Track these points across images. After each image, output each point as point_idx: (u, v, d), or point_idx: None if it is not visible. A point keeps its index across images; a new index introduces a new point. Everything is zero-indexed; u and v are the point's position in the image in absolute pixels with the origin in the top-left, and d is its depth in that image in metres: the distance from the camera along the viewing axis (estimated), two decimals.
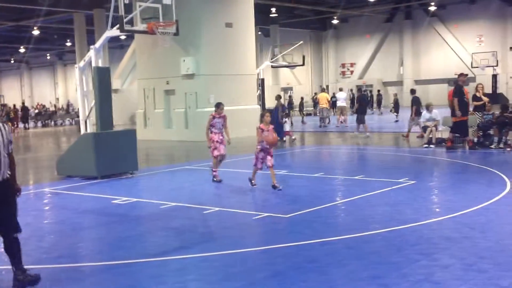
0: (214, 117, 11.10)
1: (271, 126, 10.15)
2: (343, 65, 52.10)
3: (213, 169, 11.30)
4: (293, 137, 19.92)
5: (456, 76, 16.47)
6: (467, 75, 15.90)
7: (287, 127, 20.02)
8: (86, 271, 6.15)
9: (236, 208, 8.79)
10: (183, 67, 22.15)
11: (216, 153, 11.05)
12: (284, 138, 19.30)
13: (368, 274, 5.47)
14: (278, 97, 19.93)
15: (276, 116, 18.17)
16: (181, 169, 13.89)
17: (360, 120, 20.57)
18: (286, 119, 20.35)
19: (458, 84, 15.34)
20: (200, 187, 11.18)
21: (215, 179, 11.22)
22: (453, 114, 15.09)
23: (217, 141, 11.07)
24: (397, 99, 29.87)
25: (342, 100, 27.46)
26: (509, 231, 6.92)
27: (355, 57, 50.84)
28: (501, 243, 6.34)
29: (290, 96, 39.52)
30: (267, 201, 9.60)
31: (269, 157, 10.00)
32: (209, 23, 22.42)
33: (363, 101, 21.53)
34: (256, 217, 8.16)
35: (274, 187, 9.97)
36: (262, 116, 10.48)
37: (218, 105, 11.23)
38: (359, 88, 21.31)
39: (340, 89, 32.11)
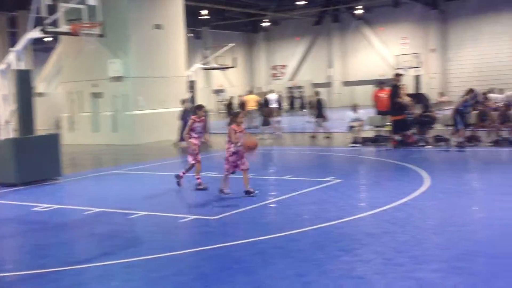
0: (194, 121, 10.33)
1: (244, 127, 9.61)
2: (274, 67, 52.69)
3: (196, 176, 10.35)
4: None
5: (381, 78, 17.06)
6: (402, 75, 16.46)
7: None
8: (5, 281, 5.88)
9: (163, 212, 8.69)
10: (111, 69, 21.69)
11: (192, 160, 10.24)
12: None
13: (293, 272, 5.54)
14: (183, 101, 19.62)
15: (185, 119, 18.28)
16: (108, 174, 13.58)
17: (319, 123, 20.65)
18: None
19: (394, 85, 15.82)
20: (127, 192, 10.97)
21: (200, 187, 10.28)
22: (392, 113, 15.55)
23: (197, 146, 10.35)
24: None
25: (273, 101, 27.71)
26: (425, 226, 7.22)
27: (286, 59, 51.53)
28: (417, 237, 6.61)
29: (228, 99, 39.34)
30: (195, 204, 9.55)
31: (243, 160, 9.41)
32: (138, 24, 22.07)
33: (319, 105, 21.69)
34: (183, 220, 8.09)
35: (248, 192, 9.39)
36: (234, 116, 9.76)
37: (199, 108, 10.53)
38: (316, 92, 21.45)
39: (271, 91, 32.41)
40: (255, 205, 8.77)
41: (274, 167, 14.40)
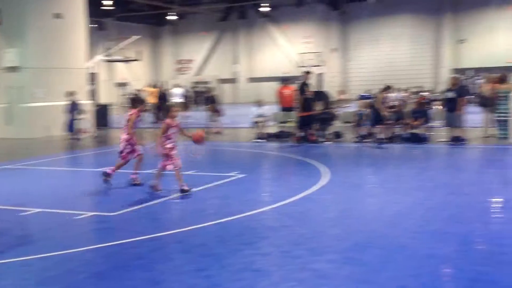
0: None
1: (178, 121, 9.15)
2: (180, 62, 52.16)
3: (135, 172, 9.81)
4: (87, 134, 19.48)
5: (285, 75, 17.40)
6: (311, 72, 16.86)
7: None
8: None
9: (59, 209, 8.32)
10: (6, 59, 20.50)
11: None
12: (80, 136, 18.70)
13: (193, 267, 5.52)
14: (70, 94, 19.08)
15: (72, 112, 18.34)
16: (0, 169, 12.81)
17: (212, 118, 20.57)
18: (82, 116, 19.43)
19: (303, 82, 16.18)
20: (20, 187, 10.41)
21: (135, 182, 9.81)
22: (298, 109, 15.90)
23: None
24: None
25: (178, 96, 27.45)
26: (323, 219, 7.45)
27: (192, 54, 51.19)
28: (315, 230, 6.81)
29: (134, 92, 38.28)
30: (93, 200, 9.26)
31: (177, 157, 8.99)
32: (36, 13, 20.95)
33: (212, 101, 21.59)
34: (81, 216, 7.81)
35: (183, 191, 8.93)
36: (168, 110, 9.27)
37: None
38: (209, 88, 21.42)
39: (176, 86, 32.08)
40: (157, 201, 8.64)
41: None
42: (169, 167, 8.97)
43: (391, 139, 15.54)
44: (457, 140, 14.54)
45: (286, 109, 17.27)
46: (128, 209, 8.11)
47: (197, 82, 46.83)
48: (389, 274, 5.20)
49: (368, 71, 43.23)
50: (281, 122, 17.56)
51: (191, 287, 5.06)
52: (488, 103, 15.25)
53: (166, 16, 48.69)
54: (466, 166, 12.26)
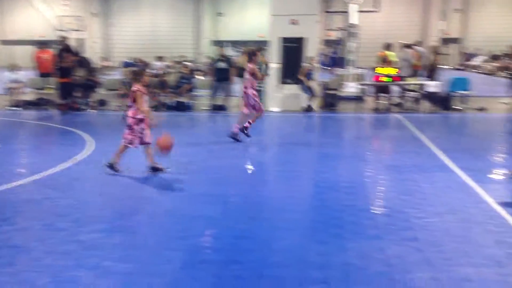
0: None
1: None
2: None
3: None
4: None
5: (42, 38, 16.12)
6: (67, 37, 15.76)
7: None
8: None
9: None
10: None
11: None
12: None
13: None
14: None
15: None
16: None
17: None
18: None
19: (62, 47, 15.14)
20: None
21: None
22: (58, 75, 14.87)
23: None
24: None
25: None
26: (87, 189, 7.21)
27: None
28: (79, 200, 6.57)
29: None
30: None
31: (147, 131, 7.73)
32: None
33: None
34: None
35: (155, 169, 7.77)
36: (138, 74, 7.78)
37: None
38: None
39: None
40: None
41: None
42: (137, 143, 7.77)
43: (157, 108, 15.68)
44: (220, 109, 15.34)
45: (45, 75, 16.10)
46: None
47: None
48: (157, 239, 5.30)
49: (131, 38, 42.70)
50: (39, 89, 16.35)
51: None
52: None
53: None
54: (225, 132, 13.00)
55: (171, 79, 16.39)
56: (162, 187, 7.23)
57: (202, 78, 18.08)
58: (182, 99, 15.68)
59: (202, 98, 16.21)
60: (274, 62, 15.57)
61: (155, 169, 7.80)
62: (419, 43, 18.27)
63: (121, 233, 5.43)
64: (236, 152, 9.80)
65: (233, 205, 6.46)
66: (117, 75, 20.51)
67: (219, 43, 38.61)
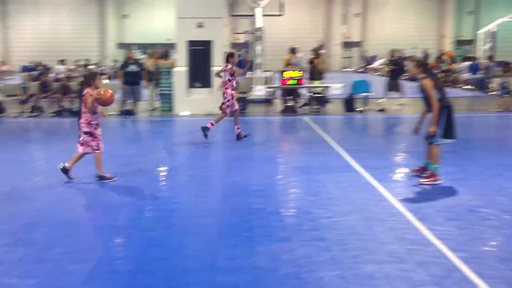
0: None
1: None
2: None
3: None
4: None
5: None
6: None
7: None
8: None
9: None
10: None
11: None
12: None
13: None
14: None
15: None
16: None
17: None
18: None
19: None
20: None
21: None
22: None
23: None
24: None
25: None
26: None
27: None
28: None
29: None
30: None
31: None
32: None
33: None
34: None
35: (103, 178, 7.59)
36: (90, 78, 7.53)
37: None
38: None
39: None
40: None
41: None
42: (86, 149, 7.57)
43: (59, 113, 15.08)
44: (127, 114, 15.01)
45: None
46: None
47: None
48: (62, 250, 5.08)
49: (31, 42, 40.79)
50: None
51: None
52: (152, 77, 16.05)
53: None
54: (135, 137, 12.76)
55: (75, 83, 15.81)
56: (66, 198, 6.95)
57: (108, 81, 17.59)
58: None
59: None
60: (181, 66, 15.45)
61: (102, 178, 7.62)
62: (321, 47, 18.86)
63: (23, 246, 5.16)
64: (142, 158, 9.63)
65: (141, 213, 6.33)
66: (16, 80, 19.50)
67: (125, 46, 37.84)
